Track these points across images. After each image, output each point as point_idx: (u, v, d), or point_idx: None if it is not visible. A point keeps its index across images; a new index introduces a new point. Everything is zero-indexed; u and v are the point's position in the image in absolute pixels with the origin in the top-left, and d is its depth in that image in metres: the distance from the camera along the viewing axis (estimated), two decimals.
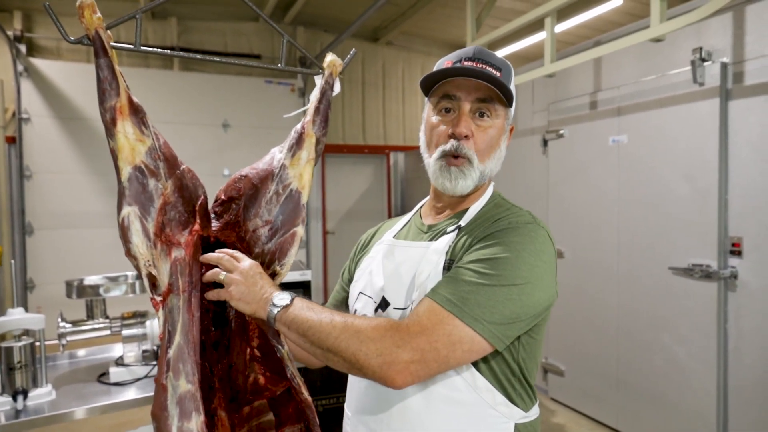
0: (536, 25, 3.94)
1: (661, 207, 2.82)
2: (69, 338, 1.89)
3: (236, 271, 0.93)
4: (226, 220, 1.00)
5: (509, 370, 0.92)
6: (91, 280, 2.15)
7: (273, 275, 0.99)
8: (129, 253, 0.83)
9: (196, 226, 0.91)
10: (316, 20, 5.95)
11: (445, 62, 1.03)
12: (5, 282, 4.84)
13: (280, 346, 0.94)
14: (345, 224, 6.35)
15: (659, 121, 2.82)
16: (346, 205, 6.42)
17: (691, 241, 2.65)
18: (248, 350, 1.05)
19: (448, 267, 0.93)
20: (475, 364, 0.90)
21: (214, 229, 0.98)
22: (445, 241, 0.97)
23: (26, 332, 1.78)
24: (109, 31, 0.83)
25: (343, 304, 1.17)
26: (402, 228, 1.13)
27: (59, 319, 1.89)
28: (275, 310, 0.89)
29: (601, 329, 3.24)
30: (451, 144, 0.98)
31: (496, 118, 1.00)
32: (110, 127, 0.84)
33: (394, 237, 1.10)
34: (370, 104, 6.52)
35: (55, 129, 4.90)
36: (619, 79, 3.10)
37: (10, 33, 4.75)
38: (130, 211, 0.80)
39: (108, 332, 1.97)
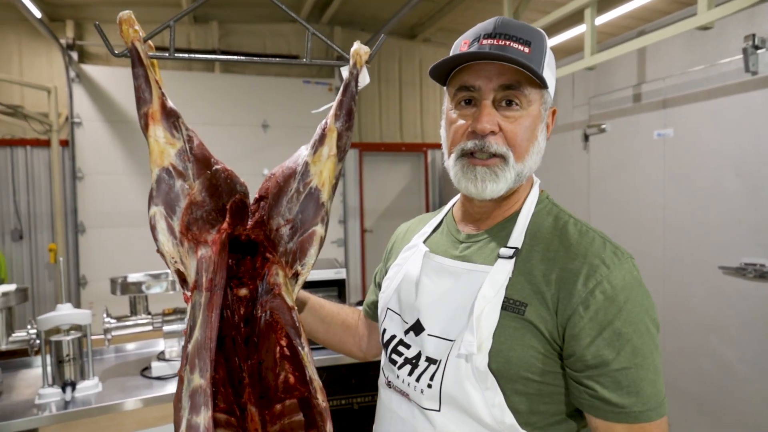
0: (576, 17, 3.82)
1: (710, 203, 2.69)
2: (114, 333, 1.96)
3: None
4: (257, 218, 1.01)
5: None
6: (133, 277, 2.23)
7: (295, 276, 0.98)
8: (158, 250, 0.86)
9: (225, 225, 0.92)
10: (353, 19, 5.98)
11: (462, 42, 0.87)
12: (59, 278, 5.10)
13: (300, 348, 0.94)
14: (383, 222, 6.36)
15: (708, 114, 2.69)
16: (384, 203, 6.43)
17: (744, 238, 2.52)
18: (278, 348, 1.05)
19: (506, 307, 0.81)
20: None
21: (247, 227, 0.99)
22: (504, 273, 0.82)
23: (75, 327, 1.87)
24: (150, 41, 0.86)
25: (375, 309, 1.10)
26: (434, 231, 1.01)
27: (104, 315, 1.97)
28: None
29: None
30: (473, 143, 0.83)
31: (529, 105, 0.83)
32: (144, 131, 0.88)
33: (425, 242, 0.99)
34: (407, 102, 6.50)
35: (104, 132, 5.12)
36: (664, 70, 2.97)
37: (63, 41, 4.98)
38: (156, 211, 0.83)
39: (150, 328, 2.04)
